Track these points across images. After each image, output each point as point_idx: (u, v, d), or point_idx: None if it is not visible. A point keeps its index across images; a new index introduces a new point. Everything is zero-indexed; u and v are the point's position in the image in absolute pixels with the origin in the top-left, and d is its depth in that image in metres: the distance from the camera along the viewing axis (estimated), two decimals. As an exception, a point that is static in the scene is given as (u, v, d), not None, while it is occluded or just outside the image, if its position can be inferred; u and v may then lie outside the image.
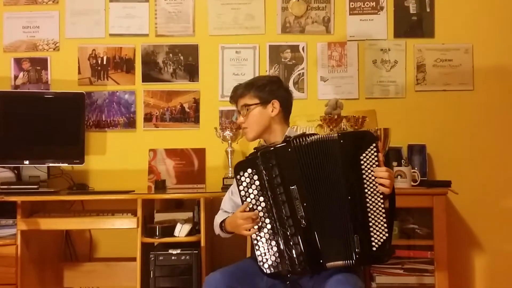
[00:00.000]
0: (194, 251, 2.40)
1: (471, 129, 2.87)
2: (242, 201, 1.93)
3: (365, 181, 1.84)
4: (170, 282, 2.38)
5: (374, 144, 1.85)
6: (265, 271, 1.89)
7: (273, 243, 1.88)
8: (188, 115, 2.96)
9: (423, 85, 2.91)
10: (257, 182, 1.90)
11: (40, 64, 2.98)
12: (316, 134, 2.01)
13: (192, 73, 2.97)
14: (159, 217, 2.58)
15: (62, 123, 2.77)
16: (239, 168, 1.94)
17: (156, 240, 2.45)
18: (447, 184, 2.49)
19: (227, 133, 2.72)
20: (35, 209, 2.53)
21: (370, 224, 1.82)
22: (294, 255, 1.85)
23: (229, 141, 2.73)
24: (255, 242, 1.91)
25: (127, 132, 2.96)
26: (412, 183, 2.49)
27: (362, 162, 1.84)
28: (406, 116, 2.87)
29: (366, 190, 1.83)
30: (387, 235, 1.83)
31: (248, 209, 1.91)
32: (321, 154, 1.88)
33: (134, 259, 2.45)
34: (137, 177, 2.87)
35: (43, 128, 2.75)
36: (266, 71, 2.94)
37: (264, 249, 1.89)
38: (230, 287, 1.87)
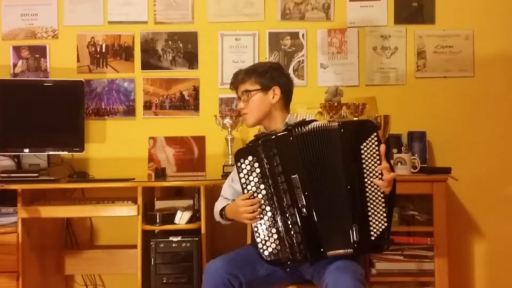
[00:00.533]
0: (195, 239, 2.41)
1: (471, 116, 2.87)
2: (243, 189, 1.94)
3: (365, 170, 1.84)
4: (171, 269, 2.39)
5: (375, 134, 1.85)
6: (265, 258, 1.90)
7: (274, 230, 1.89)
8: (187, 103, 2.96)
9: (423, 71, 2.90)
10: (258, 170, 1.91)
11: (39, 52, 2.96)
12: (316, 120, 2.01)
13: (191, 60, 2.96)
14: (159, 204, 2.59)
15: (61, 111, 2.76)
16: (240, 155, 1.94)
17: (157, 228, 2.46)
18: (447, 170, 2.50)
19: (227, 120, 2.71)
20: (36, 197, 2.53)
21: (369, 213, 1.83)
22: (295, 243, 1.86)
23: (229, 129, 2.73)
24: (256, 229, 1.92)
25: (126, 120, 2.95)
26: (412, 170, 2.50)
27: (362, 151, 1.84)
28: (406, 103, 2.86)
29: (365, 180, 1.84)
30: (386, 224, 1.84)
31: (249, 197, 1.91)
32: (321, 143, 1.88)
33: (135, 247, 2.46)
34: (137, 165, 2.87)
35: (43, 116, 2.74)
36: (266, 58, 2.92)
37: (265, 237, 1.90)
38: (231, 274, 1.89)
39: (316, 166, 1.88)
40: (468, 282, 2.83)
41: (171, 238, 2.41)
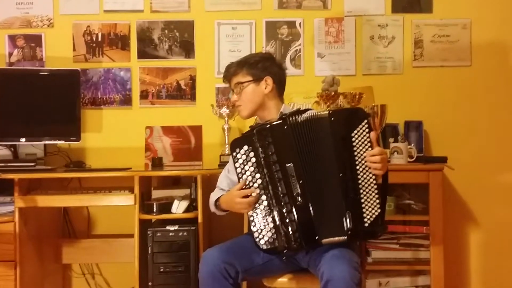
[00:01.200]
0: (192, 228, 2.42)
1: (468, 105, 2.87)
2: (239, 178, 1.94)
3: (356, 158, 1.85)
4: (168, 258, 2.40)
5: (365, 121, 1.85)
6: (261, 246, 1.90)
7: (269, 219, 1.90)
8: (184, 92, 2.95)
9: (420, 61, 2.89)
10: (253, 159, 1.91)
11: (35, 41, 2.95)
12: (311, 109, 2.01)
13: (188, 49, 2.95)
14: (156, 194, 2.59)
15: (57, 100, 2.75)
16: (235, 145, 1.94)
17: (154, 217, 2.46)
18: (443, 160, 2.50)
19: (224, 110, 2.71)
20: (33, 187, 2.54)
21: (362, 200, 1.85)
22: (290, 232, 1.87)
23: (226, 118, 2.72)
24: (251, 218, 1.92)
25: (123, 110, 2.94)
26: (409, 159, 2.50)
27: (353, 139, 1.85)
28: (403, 92, 2.86)
29: (357, 167, 1.85)
30: (379, 210, 1.85)
31: (244, 186, 1.91)
32: (314, 132, 1.89)
33: (132, 236, 2.47)
34: (133, 154, 2.87)
35: (39, 106, 2.74)
36: (263, 47, 2.91)
37: (261, 225, 1.90)
38: (227, 262, 1.90)
39: (310, 154, 1.89)
40: (463, 271, 2.85)
41: (168, 227, 2.42)
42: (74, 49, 2.95)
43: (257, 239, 1.91)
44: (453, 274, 2.78)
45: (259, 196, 1.91)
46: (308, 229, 1.87)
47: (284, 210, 1.87)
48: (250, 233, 1.96)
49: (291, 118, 1.91)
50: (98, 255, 2.83)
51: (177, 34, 2.95)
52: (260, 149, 1.90)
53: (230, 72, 2.12)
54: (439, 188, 2.42)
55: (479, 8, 2.86)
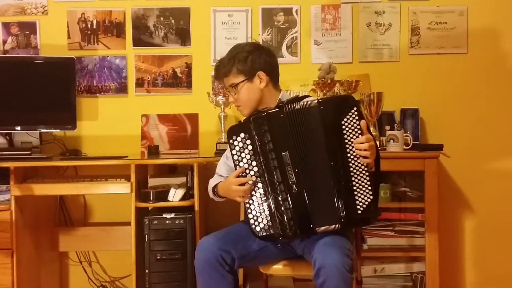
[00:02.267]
0: (188, 215, 2.42)
1: (464, 93, 2.87)
2: (235, 166, 1.95)
3: (347, 146, 1.85)
4: (164, 245, 2.41)
5: (355, 109, 1.85)
6: (257, 233, 1.92)
7: (265, 206, 1.91)
8: (180, 80, 2.94)
9: (417, 48, 2.88)
10: (250, 147, 1.91)
11: (29, 28, 2.92)
12: (309, 96, 2.01)
13: (183, 37, 2.93)
14: (152, 182, 2.60)
15: (53, 88, 2.74)
16: (232, 132, 1.94)
17: (150, 205, 2.46)
18: (439, 147, 2.51)
19: (220, 98, 2.70)
20: (28, 175, 2.53)
21: (354, 188, 1.85)
22: (285, 220, 1.88)
23: (222, 106, 2.72)
24: (247, 205, 1.94)
25: (118, 98, 2.93)
26: (405, 147, 2.51)
27: (343, 127, 1.85)
28: (400, 80, 2.86)
29: (348, 155, 1.85)
30: (371, 197, 1.86)
31: (241, 174, 1.92)
32: (307, 120, 1.89)
33: (128, 224, 2.47)
34: (130, 142, 2.86)
35: (34, 94, 2.72)
36: (259, 35, 2.90)
37: (256, 213, 1.92)
38: (223, 250, 1.91)
39: (305, 143, 1.89)
40: (458, 257, 2.87)
41: (164, 215, 2.42)
42: (68, 37, 2.93)
43: (253, 226, 1.92)
44: (448, 261, 2.80)
45: (255, 184, 1.91)
46: (303, 217, 1.88)
47: (280, 198, 1.88)
48: (246, 220, 1.97)
49: (288, 106, 1.91)
50: (95, 243, 2.83)
51: (173, 21, 2.93)
52: (256, 137, 1.90)
53: (220, 74, 2.09)
54: (435, 175, 2.43)
55: (476, -6, 2.86)
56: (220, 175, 2.18)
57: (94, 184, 2.48)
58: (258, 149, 1.90)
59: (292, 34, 2.91)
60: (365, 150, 1.82)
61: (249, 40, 2.87)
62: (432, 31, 2.88)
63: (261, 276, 2.24)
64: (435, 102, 2.85)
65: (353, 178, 1.85)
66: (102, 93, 2.93)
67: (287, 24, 2.91)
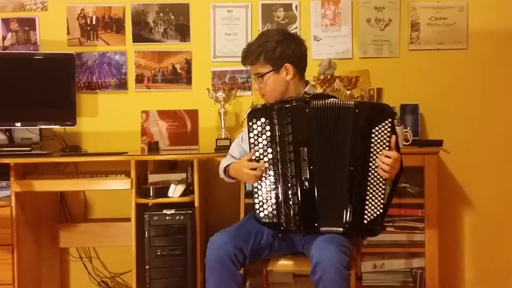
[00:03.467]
0: (188, 211, 2.42)
1: (464, 89, 2.87)
2: (250, 148, 1.93)
3: (371, 154, 1.84)
4: (164, 241, 2.41)
5: (389, 120, 1.83)
6: (260, 219, 1.91)
7: (273, 195, 1.90)
8: (180, 76, 2.94)
9: (417, 44, 2.88)
10: (268, 133, 1.90)
11: (28, 24, 2.92)
12: (335, 97, 1.98)
13: (183, 33, 2.92)
14: (152, 178, 2.60)
15: (52, 84, 2.74)
16: (253, 115, 1.92)
17: (150, 201, 2.47)
18: (438, 143, 2.51)
19: (220, 94, 2.70)
20: (28, 171, 2.53)
21: (367, 197, 1.85)
22: (292, 214, 1.88)
23: (222, 102, 2.72)
24: (256, 190, 1.92)
25: (118, 94, 2.93)
26: (404, 143, 2.51)
27: (373, 135, 1.83)
28: (400, 75, 2.86)
29: (370, 164, 1.84)
30: (381, 211, 1.85)
31: (254, 157, 1.91)
32: (334, 120, 1.86)
33: (128, 220, 2.47)
34: (130, 138, 2.86)
35: (34, 90, 2.72)
36: (259, 30, 2.89)
37: (263, 199, 1.90)
38: (237, 248, 1.88)
39: (326, 142, 1.87)
40: (457, 253, 2.88)
41: (164, 211, 2.42)
42: (68, 33, 2.92)
43: (258, 211, 1.91)
44: (448, 256, 2.81)
45: (266, 171, 1.90)
46: (310, 215, 1.87)
47: (290, 192, 1.87)
48: (252, 214, 1.96)
49: (314, 102, 1.88)
50: (95, 239, 2.84)
51: (172, 17, 2.92)
52: (277, 126, 1.88)
53: (248, 61, 2.06)
54: (434, 171, 2.44)
55: (476, -10, 2.85)
56: (233, 156, 2.17)
57: (94, 180, 2.49)
58: (277, 139, 1.88)
59: (292, 30, 2.90)
60: (387, 164, 1.81)
61: (249, 36, 2.87)
62: (432, 27, 2.88)
63: (261, 272, 2.25)
64: (435, 98, 2.85)
65: (368, 188, 1.84)
66: (102, 89, 2.93)
67: (287, 20, 2.91)
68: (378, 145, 1.84)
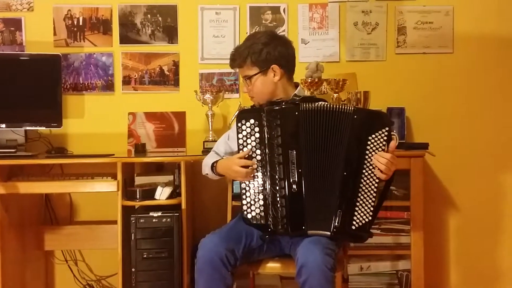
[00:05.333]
0: (175, 214, 2.41)
1: (450, 92, 2.90)
2: (239, 149, 1.93)
3: (366, 162, 1.84)
4: (151, 244, 2.40)
5: (387, 128, 1.84)
6: (247, 220, 1.92)
7: (261, 197, 1.90)
8: (167, 78, 2.93)
9: (403, 47, 2.90)
10: (257, 135, 1.90)
11: (14, 25, 2.89)
12: (324, 100, 1.98)
13: (171, 35, 2.92)
14: (139, 180, 2.58)
15: (38, 85, 2.71)
16: (242, 116, 1.93)
17: (137, 203, 2.45)
18: (424, 146, 2.53)
19: (208, 96, 2.70)
20: (13, 173, 2.51)
21: (357, 204, 1.86)
22: (279, 216, 1.88)
23: (210, 104, 2.71)
24: (244, 190, 1.92)
25: (105, 95, 2.91)
26: (391, 146, 2.52)
27: (369, 142, 1.84)
28: (386, 79, 2.88)
29: (364, 171, 1.85)
30: (370, 218, 1.86)
31: (247, 155, 1.91)
32: (329, 124, 1.86)
33: (115, 222, 2.46)
34: (116, 140, 2.84)
35: (19, 91, 2.69)
36: (247, 33, 2.89)
37: (251, 200, 1.91)
38: (228, 250, 1.88)
39: (317, 145, 1.87)
40: (443, 255, 2.90)
41: (151, 214, 2.41)
42: (54, 34, 2.90)
43: (245, 212, 1.91)
44: (433, 258, 2.83)
45: (255, 171, 1.90)
46: (297, 217, 1.87)
47: (278, 194, 1.87)
48: (240, 217, 1.96)
49: (304, 104, 1.88)
50: (81, 241, 2.82)
51: (160, 18, 2.91)
52: (266, 128, 1.88)
53: (235, 64, 2.08)
54: (420, 174, 2.46)
55: (461, -5, 2.89)
56: (217, 153, 2.16)
57: (80, 182, 2.47)
58: (266, 141, 1.89)
59: (279, 33, 2.89)
60: (383, 164, 1.81)
61: (237, 39, 2.87)
62: (418, 31, 2.90)
63: (247, 275, 2.25)
64: (421, 101, 2.87)
65: (359, 194, 1.85)
66: (89, 90, 2.91)
67: (274, 23, 2.91)
68: (373, 152, 1.84)
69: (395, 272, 2.61)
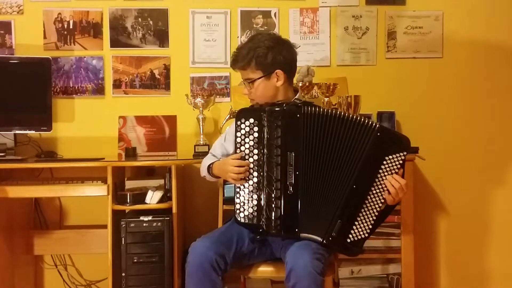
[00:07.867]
0: (166, 218, 2.40)
1: (439, 97, 2.92)
2: (236, 148, 1.93)
3: (377, 180, 1.84)
4: (141, 248, 2.39)
5: (405, 153, 1.84)
6: (239, 219, 1.92)
7: (255, 196, 1.90)
8: (158, 82, 2.92)
9: (393, 52, 2.92)
10: (256, 134, 1.90)
11: (4, 28, 2.87)
12: (319, 106, 1.96)
13: (162, 38, 2.91)
14: (130, 184, 2.57)
15: (28, 89, 2.69)
16: (242, 115, 1.92)
17: (127, 207, 2.44)
18: (414, 150, 2.54)
19: (199, 100, 2.70)
20: (2, 177, 2.49)
21: (358, 218, 1.86)
22: (272, 217, 1.88)
23: (201, 108, 2.71)
24: (238, 190, 1.93)
25: (95, 99, 2.90)
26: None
27: (384, 162, 1.83)
28: (376, 83, 2.89)
29: (373, 189, 1.85)
30: (366, 235, 1.87)
31: (241, 157, 1.91)
32: (342, 133, 1.85)
33: (105, 227, 2.44)
34: (107, 144, 2.83)
35: (9, 95, 2.68)
36: (238, 37, 2.90)
37: (244, 199, 1.91)
38: (219, 254, 1.87)
39: (320, 150, 1.85)
40: (433, 259, 2.92)
41: (141, 218, 2.40)
42: (44, 37, 2.88)
43: (237, 211, 1.91)
44: (424, 262, 2.84)
45: (251, 171, 1.90)
46: (291, 220, 1.87)
47: (273, 195, 1.87)
48: (233, 221, 1.96)
49: (306, 108, 1.87)
50: (70, 246, 2.80)
51: (151, 22, 2.91)
52: (266, 128, 1.88)
53: (238, 65, 2.05)
54: (410, 178, 2.46)
55: (451, 0, 2.90)
56: (214, 155, 2.17)
57: (70, 186, 2.45)
58: (265, 141, 1.88)
59: (270, 37, 2.92)
60: (395, 188, 1.81)
61: (228, 43, 2.88)
62: (408, 36, 2.92)
63: (238, 279, 2.24)
64: (410, 106, 2.89)
65: (362, 210, 1.85)
66: (79, 94, 2.90)
67: (265, 27, 2.92)
68: (386, 173, 1.84)
69: (385, 275, 2.62)
